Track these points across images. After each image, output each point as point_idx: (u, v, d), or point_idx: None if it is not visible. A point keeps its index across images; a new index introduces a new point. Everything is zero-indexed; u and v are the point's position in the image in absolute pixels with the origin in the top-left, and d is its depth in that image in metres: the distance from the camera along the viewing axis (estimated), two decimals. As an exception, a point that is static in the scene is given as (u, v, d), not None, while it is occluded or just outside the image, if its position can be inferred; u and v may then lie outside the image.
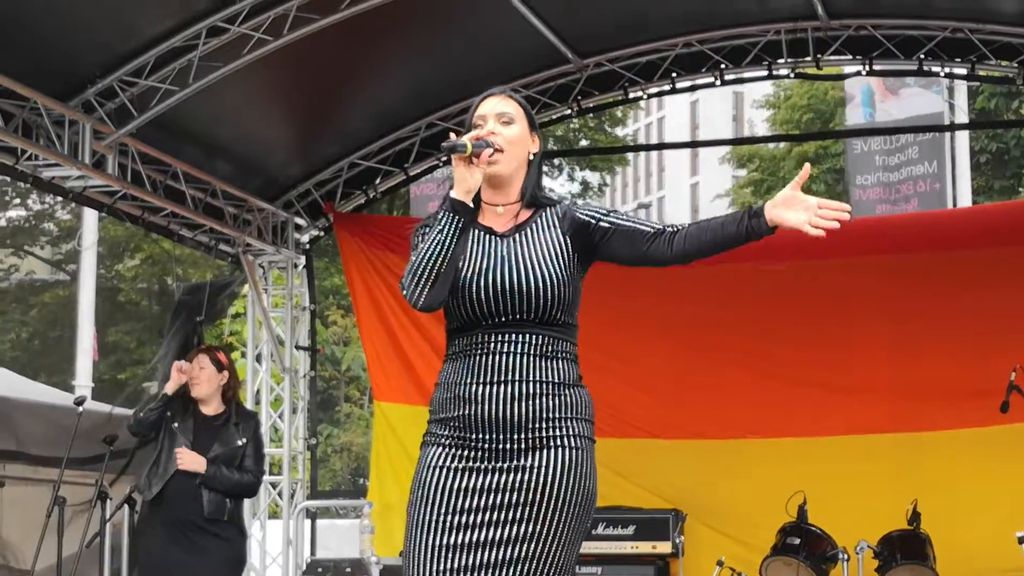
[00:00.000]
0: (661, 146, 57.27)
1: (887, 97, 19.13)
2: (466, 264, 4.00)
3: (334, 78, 10.04)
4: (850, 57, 10.34)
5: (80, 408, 8.28)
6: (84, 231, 18.29)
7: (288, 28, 8.62)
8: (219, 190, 10.30)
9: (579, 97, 10.83)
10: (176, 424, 7.66)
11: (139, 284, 28.88)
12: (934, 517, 9.36)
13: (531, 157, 4.17)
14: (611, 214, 4.14)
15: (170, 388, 7.62)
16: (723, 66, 10.49)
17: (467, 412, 3.93)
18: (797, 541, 9.27)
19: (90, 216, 18.11)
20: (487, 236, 4.08)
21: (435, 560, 3.89)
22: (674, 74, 10.65)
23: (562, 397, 3.99)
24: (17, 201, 28.83)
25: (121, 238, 27.42)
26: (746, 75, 10.84)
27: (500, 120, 4.11)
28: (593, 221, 4.10)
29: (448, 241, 3.89)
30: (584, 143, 28.97)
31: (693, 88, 11.55)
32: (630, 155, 52.70)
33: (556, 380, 3.99)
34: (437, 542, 3.89)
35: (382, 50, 9.54)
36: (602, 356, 10.97)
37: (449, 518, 3.90)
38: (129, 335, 28.06)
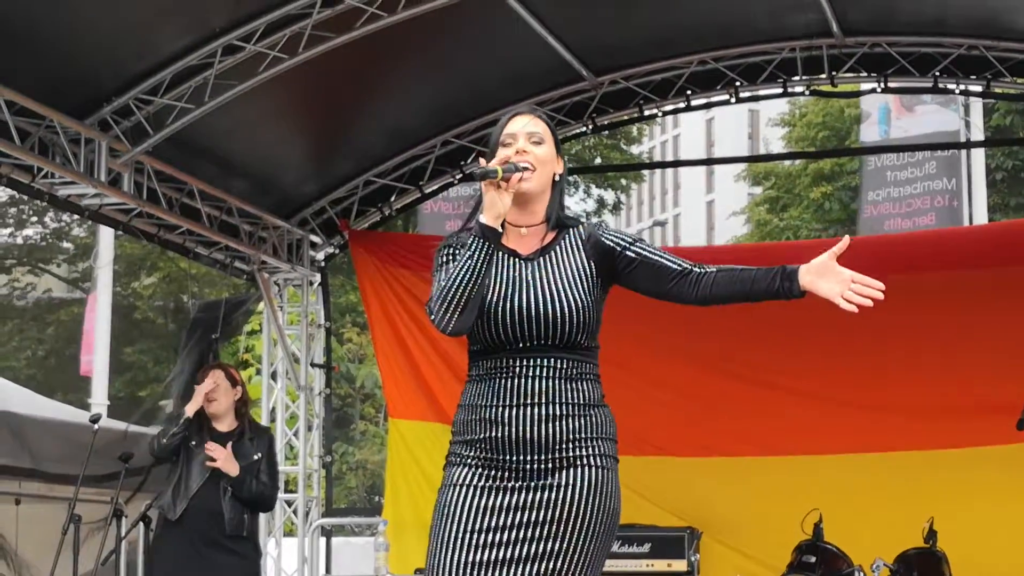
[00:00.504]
0: (676, 163, 57.00)
1: (903, 114, 19.08)
2: (491, 288, 4.00)
3: (349, 96, 10.05)
4: (865, 74, 10.35)
5: (96, 426, 8.29)
6: (100, 249, 18.32)
7: (303, 46, 8.64)
8: (234, 208, 10.32)
9: (594, 114, 10.84)
10: (193, 443, 7.67)
11: (155, 302, 28.93)
12: (950, 535, 9.32)
13: (556, 179, 4.17)
14: (637, 243, 4.13)
15: (191, 410, 7.61)
16: (738, 83, 10.49)
17: (494, 434, 3.95)
18: (813, 559, 9.23)
19: (106, 234, 18.15)
20: (512, 259, 4.08)
21: (459, 559, 3.89)
22: (689, 91, 10.65)
23: (587, 418, 4.01)
24: (34, 219, 28.91)
25: (137, 256, 27.47)
26: (761, 92, 10.82)
27: (530, 140, 4.10)
28: (619, 249, 4.11)
29: (478, 267, 3.89)
30: (599, 161, 28.97)
31: (708, 105, 11.56)
32: (645, 173, 52.66)
33: (580, 401, 4.01)
34: (461, 559, 3.90)
35: (397, 68, 9.55)
36: (615, 371, 10.94)
37: (473, 536, 3.90)
38: (145, 353, 28.10)
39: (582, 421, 3.99)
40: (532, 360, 3.98)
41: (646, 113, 10.98)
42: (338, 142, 10.80)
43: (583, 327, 4.03)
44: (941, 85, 10.29)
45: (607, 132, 25.97)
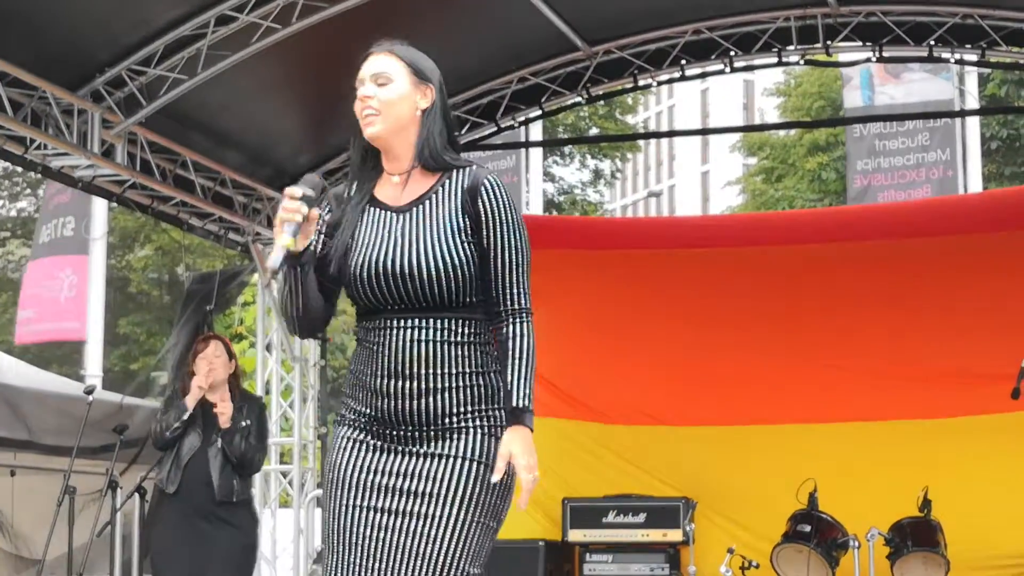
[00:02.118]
0: (671, 133, 57.13)
1: (887, 80, 19.00)
2: (359, 248, 3.76)
3: (342, 66, 9.98)
4: (860, 43, 10.30)
5: (90, 397, 8.30)
6: (94, 221, 18.30)
7: (296, 16, 8.61)
8: (228, 179, 10.30)
9: (588, 84, 10.80)
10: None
11: (149, 274, 28.92)
12: (945, 504, 9.35)
13: (419, 112, 3.85)
14: (502, 229, 3.77)
15: (191, 403, 7.59)
16: (733, 53, 10.45)
17: (377, 404, 3.74)
18: (808, 528, 9.26)
19: (99, 206, 18.12)
20: (382, 213, 3.81)
21: (348, 545, 3.73)
22: (683, 61, 10.62)
23: (474, 388, 3.74)
24: (28, 191, 28.86)
25: (131, 228, 27.45)
26: (756, 62, 10.79)
27: (376, 81, 3.84)
28: (483, 219, 3.77)
29: (297, 288, 3.73)
30: (594, 131, 28.94)
31: (703, 75, 11.52)
32: (641, 143, 52.62)
33: (467, 369, 3.73)
34: (351, 522, 3.73)
35: (390, 39, 9.51)
36: (611, 342, 11.01)
37: (363, 497, 3.73)
38: (139, 326, 28.10)
39: (468, 392, 3.73)
40: (409, 322, 3.71)
41: (641, 83, 10.94)
42: (332, 113, 10.73)
43: (460, 285, 3.71)
44: (936, 54, 10.26)
45: (602, 102, 25.95)
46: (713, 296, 10.92)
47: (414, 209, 3.78)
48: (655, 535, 10.37)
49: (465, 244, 3.73)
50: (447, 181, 3.81)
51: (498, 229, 3.77)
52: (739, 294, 10.85)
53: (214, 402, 7.67)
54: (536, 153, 22.46)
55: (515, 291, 3.80)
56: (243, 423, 7.64)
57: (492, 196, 3.79)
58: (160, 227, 24.70)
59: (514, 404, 3.74)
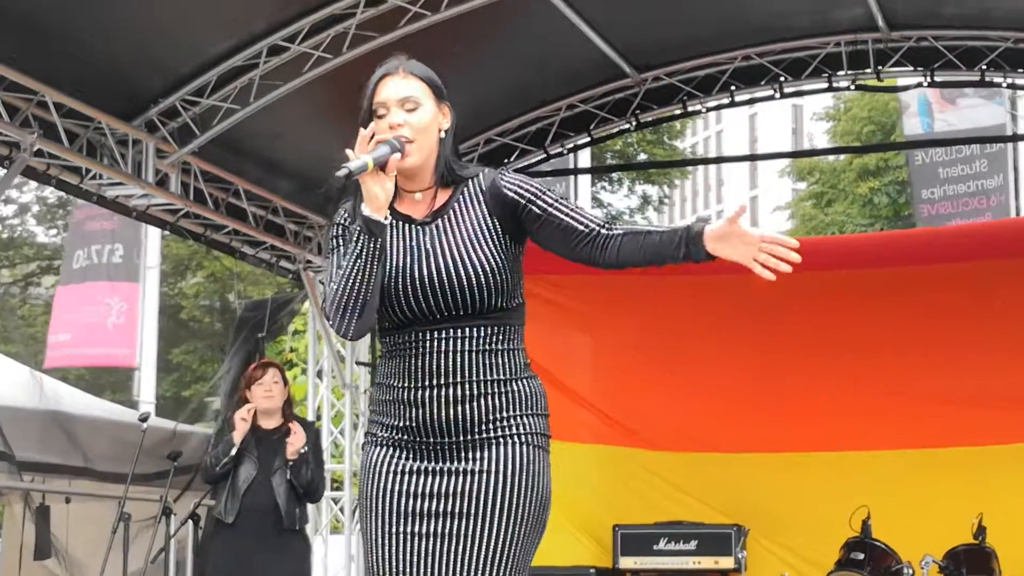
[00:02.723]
0: (720, 159, 56.94)
1: (945, 107, 18.97)
2: (387, 260, 3.65)
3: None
4: (911, 68, 10.28)
5: (144, 424, 8.34)
6: (147, 249, 18.45)
7: (347, 46, 8.68)
8: (280, 207, 10.36)
9: (637, 111, 10.82)
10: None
11: (201, 301, 29.09)
12: (1000, 531, 9.28)
13: (442, 135, 3.75)
14: (542, 196, 3.73)
15: (237, 438, 7.63)
16: (782, 79, 10.46)
17: (413, 416, 3.65)
18: (861, 556, 9.21)
19: (153, 234, 18.27)
20: (407, 227, 3.72)
21: (391, 558, 3.66)
22: (733, 87, 10.63)
23: (508, 394, 3.67)
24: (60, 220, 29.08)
25: (183, 256, 27.63)
26: (805, 88, 10.79)
27: (404, 107, 3.69)
28: (522, 202, 3.71)
29: (368, 267, 3.58)
30: (642, 157, 28.92)
31: (752, 101, 11.52)
32: (689, 168, 52.53)
33: (500, 377, 3.66)
34: (393, 552, 3.66)
35: (440, 66, 9.52)
36: (660, 368, 10.99)
37: (400, 523, 3.66)
38: (192, 353, 28.25)
39: (503, 399, 3.66)
40: (442, 333, 3.64)
41: (690, 109, 10.96)
42: (382, 141, 10.82)
43: (495, 289, 3.65)
44: (988, 79, 10.22)
45: (650, 128, 25.93)
46: (763, 322, 10.87)
47: (439, 220, 3.72)
48: (707, 562, 10.31)
49: (496, 248, 3.68)
50: (464, 189, 3.75)
51: (538, 196, 3.72)
52: (791, 320, 10.80)
53: (268, 428, 7.71)
54: (584, 180, 22.50)
55: (591, 215, 3.73)
56: (302, 450, 7.68)
57: (514, 180, 3.75)
58: (212, 255, 24.90)
59: (690, 226, 3.56)
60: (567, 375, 10.95)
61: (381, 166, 3.55)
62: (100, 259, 18.78)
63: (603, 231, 3.65)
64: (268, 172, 10.18)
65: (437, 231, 3.70)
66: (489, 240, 3.68)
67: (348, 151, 3.58)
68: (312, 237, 10.82)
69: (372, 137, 3.61)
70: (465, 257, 3.64)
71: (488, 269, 3.64)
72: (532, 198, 3.71)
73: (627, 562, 10.48)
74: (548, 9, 9.09)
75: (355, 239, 3.60)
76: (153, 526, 8.44)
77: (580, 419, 10.96)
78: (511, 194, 3.71)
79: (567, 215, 3.69)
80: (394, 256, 3.69)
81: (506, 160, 11.07)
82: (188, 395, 26.64)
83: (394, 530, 3.67)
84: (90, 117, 8.44)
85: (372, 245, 3.57)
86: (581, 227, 3.67)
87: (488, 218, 3.70)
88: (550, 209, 3.70)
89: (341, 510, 11.36)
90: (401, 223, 3.73)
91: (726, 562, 10.23)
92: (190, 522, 8.50)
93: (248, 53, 8.75)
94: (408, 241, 3.71)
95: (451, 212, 3.72)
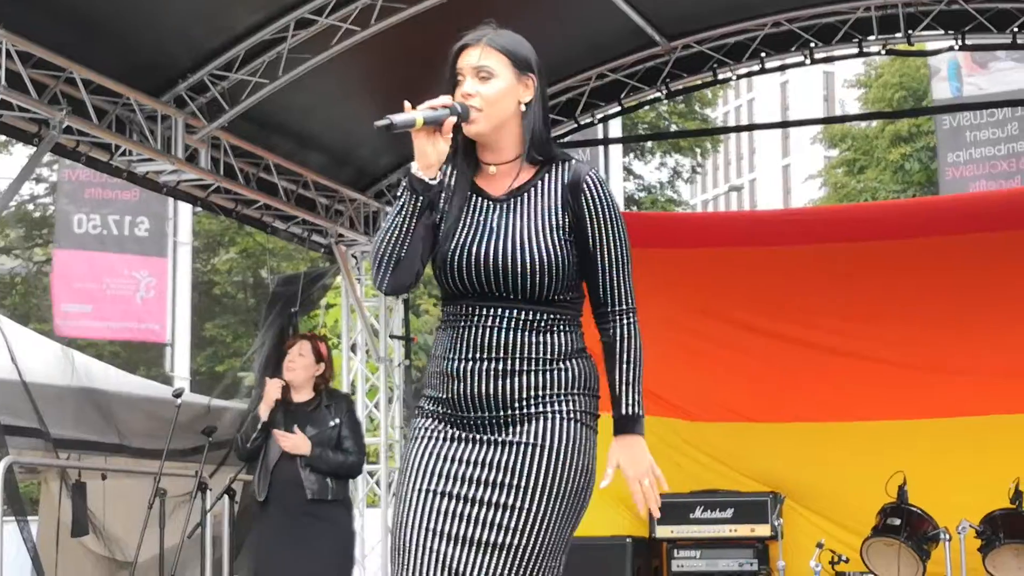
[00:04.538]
0: (751, 127, 56.74)
1: (975, 71, 18.82)
2: (457, 234, 3.68)
3: (422, 66, 9.99)
4: (942, 32, 10.18)
5: (179, 400, 8.36)
6: (179, 225, 18.48)
7: (376, 18, 8.66)
8: (311, 181, 10.36)
9: (668, 80, 10.75)
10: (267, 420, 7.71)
11: (234, 277, 29.17)
12: (1038, 496, 9.23)
13: (523, 108, 3.71)
14: (605, 229, 3.68)
15: (264, 413, 7.63)
16: (812, 45, 10.38)
17: (453, 387, 3.64)
18: (898, 522, 9.18)
19: (184, 210, 18.29)
20: (481, 201, 3.72)
21: (421, 529, 3.61)
22: (763, 54, 10.55)
23: (555, 372, 3.64)
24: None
25: (215, 232, 27.70)
26: (836, 53, 10.69)
27: (478, 75, 3.68)
28: (587, 226, 3.67)
29: (405, 224, 3.61)
30: (674, 127, 28.85)
31: (783, 68, 11.43)
32: (720, 137, 52.36)
33: (547, 356, 3.64)
34: (425, 515, 3.62)
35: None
36: (695, 340, 10.97)
37: (439, 483, 3.62)
38: (225, 328, 28.35)
39: (549, 376, 3.63)
40: (495, 310, 3.64)
41: (720, 77, 10.88)
42: (412, 114, 10.80)
43: (553, 282, 3.63)
44: (1020, 41, 10.12)
45: (680, 99, 25.84)
46: (797, 295, 10.85)
47: (513, 200, 3.69)
48: (743, 530, 10.32)
49: (562, 240, 3.64)
50: (547, 174, 3.71)
51: (602, 227, 3.67)
52: (824, 292, 10.77)
53: (299, 401, 7.71)
54: (616, 150, 22.45)
55: (622, 290, 3.73)
56: (331, 423, 7.65)
57: (595, 194, 3.68)
58: (244, 230, 24.95)
59: (623, 412, 3.69)
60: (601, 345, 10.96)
61: (437, 125, 3.55)
62: (120, 230, 18.62)
63: (608, 316, 3.72)
64: (298, 146, 10.18)
65: (509, 210, 3.68)
66: (555, 231, 3.65)
67: (406, 103, 3.59)
68: (343, 211, 10.82)
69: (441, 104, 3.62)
70: (529, 244, 3.62)
71: (548, 260, 3.61)
72: (596, 222, 3.67)
73: (664, 531, 10.48)
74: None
75: (399, 193, 3.62)
76: (189, 501, 8.47)
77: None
78: (586, 202, 3.67)
79: (605, 269, 3.70)
80: (462, 230, 3.68)
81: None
82: (222, 370, 26.74)
83: (431, 488, 3.63)
84: (119, 93, 8.44)
85: (414, 202, 3.60)
86: (600, 291, 3.70)
87: (560, 210, 3.66)
88: (599, 247, 3.68)
89: (377, 483, 11.38)
90: (477, 197, 3.72)
91: (762, 530, 10.24)
92: (226, 497, 8.53)
93: (276, 27, 8.73)
94: (478, 215, 3.69)
95: (528, 194, 3.69)
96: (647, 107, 22.74)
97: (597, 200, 3.68)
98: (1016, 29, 9.96)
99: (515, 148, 3.72)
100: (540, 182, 3.70)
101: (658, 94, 10.97)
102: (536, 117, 3.72)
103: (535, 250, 3.62)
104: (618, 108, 11.06)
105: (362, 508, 11.24)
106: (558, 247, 3.63)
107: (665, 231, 11.86)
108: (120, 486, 9.60)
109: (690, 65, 10.73)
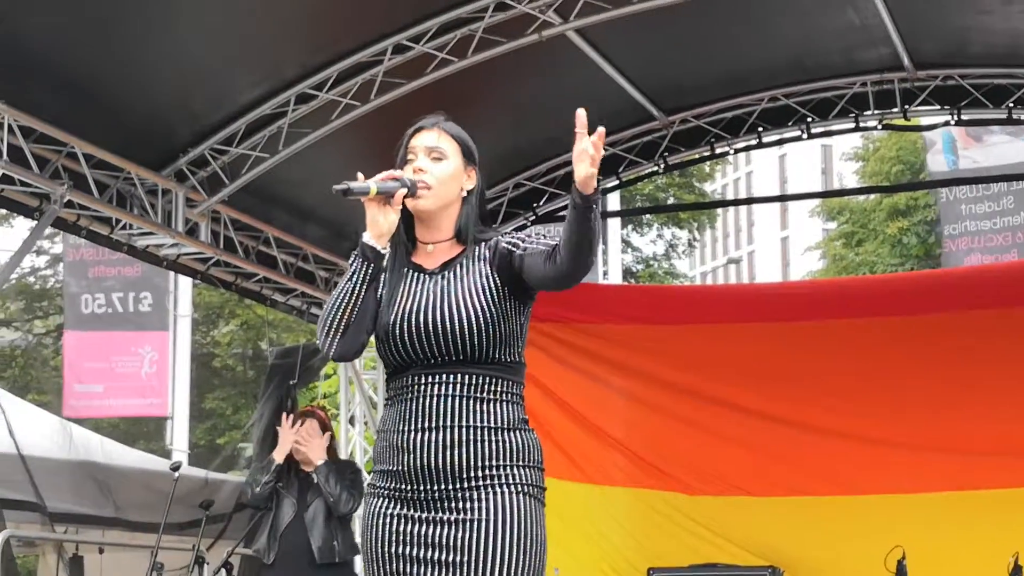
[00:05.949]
0: (750, 200, 56.90)
1: (970, 144, 18.94)
2: (395, 305, 3.87)
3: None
4: (937, 107, 10.25)
5: (176, 474, 8.36)
6: (179, 298, 18.50)
7: (375, 93, 8.72)
8: (310, 254, 10.39)
9: (665, 154, 10.82)
10: (280, 484, 7.79)
11: (234, 349, 29.16)
12: (1037, 571, 9.20)
13: (464, 193, 3.99)
14: (527, 239, 3.92)
15: (279, 456, 7.66)
16: (810, 119, 10.44)
17: (403, 460, 3.76)
18: (897, 596, 9.14)
19: (184, 283, 18.31)
20: (417, 275, 3.93)
21: None
22: (760, 128, 10.61)
23: (500, 443, 3.77)
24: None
25: (215, 304, 27.72)
26: (833, 128, 10.76)
27: (431, 155, 3.94)
28: (513, 250, 3.89)
29: (356, 290, 3.79)
30: (671, 200, 28.91)
31: (780, 142, 11.50)
32: (719, 210, 52.50)
33: (492, 424, 3.77)
34: None
35: (468, 112, 9.52)
36: (694, 413, 10.96)
37: (399, 565, 3.75)
38: (225, 400, 28.31)
39: (495, 446, 3.75)
40: (438, 377, 3.79)
41: (718, 151, 10.94)
42: (411, 187, 10.85)
43: (491, 339, 3.80)
44: (1015, 116, 10.19)
45: (679, 172, 25.90)
46: (797, 369, 10.84)
47: (447, 271, 3.91)
48: (742, 605, 10.26)
49: (493, 299, 3.84)
50: (476, 249, 3.96)
51: (523, 240, 3.91)
52: (824, 367, 10.76)
53: (308, 471, 7.74)
54: (614, 224, 22.52)
55: (553, 240, 3.83)
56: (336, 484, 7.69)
57: (509, 236, 3.96)
58: (244, 302, 24.98)
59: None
60: (601, 419, 10.98)
61: (388, 196, 3.77)
62: (125, 307, 18.70)
63: (556, 244, 3.78)
64: (298, 219, 10.22)
65: (443, 280, 3.89)
66: (488, 291, 3.85)
67: (359, 173, 3.81)
68: (342, 284, 10.83)
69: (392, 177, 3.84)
70: (464, 304, 3.82)
71: (484, 318, 3.80)
72: (519, 242, 3.90)
73: (662, 605, 10.42)
74: (575, 54, 9.11)
75: (350, 261, 3.83)
76: (186, 575, 8.43)
77: (614, 462, 10.97)
78: (507, 246, 3.90)
79: (538, 244, 3.86)
80: (400, 302, 3.88)
81: (535, 204, 11.07)
82: (223, 443, 26.70)
83: (390, 569, 3.75)
84: (120, 167, 8.48)
85: (364, 269, 3.80)
86: (544, 248, 3.82)
87: (490, 273, 3.88)
88: (529, 246, 3.87)
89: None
90: (413, 272, 3.94)
91: (762, 605, 10.18)
92: (223, 571, 8.50)
93: (277, 101, 8.79)
94: (415, 288, 3.90)
95: (460, 264, 3.92)
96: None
97: (512, 236, 3.97)
98: (1011, 104, 10.03)
99: (450, 229, 3.97)
100: (470, 254, 3.95)
101: (656, 168, 11.03)
102: (472, 209, 4.00)
103: (471, 308, 3.81)
104: (616, 182, 11.11)
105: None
106: (490, 304, 3.83)
107: (662, 307, 11.84)
108: (117, 560, 9.55)
109: (688, 139, 10.79)
